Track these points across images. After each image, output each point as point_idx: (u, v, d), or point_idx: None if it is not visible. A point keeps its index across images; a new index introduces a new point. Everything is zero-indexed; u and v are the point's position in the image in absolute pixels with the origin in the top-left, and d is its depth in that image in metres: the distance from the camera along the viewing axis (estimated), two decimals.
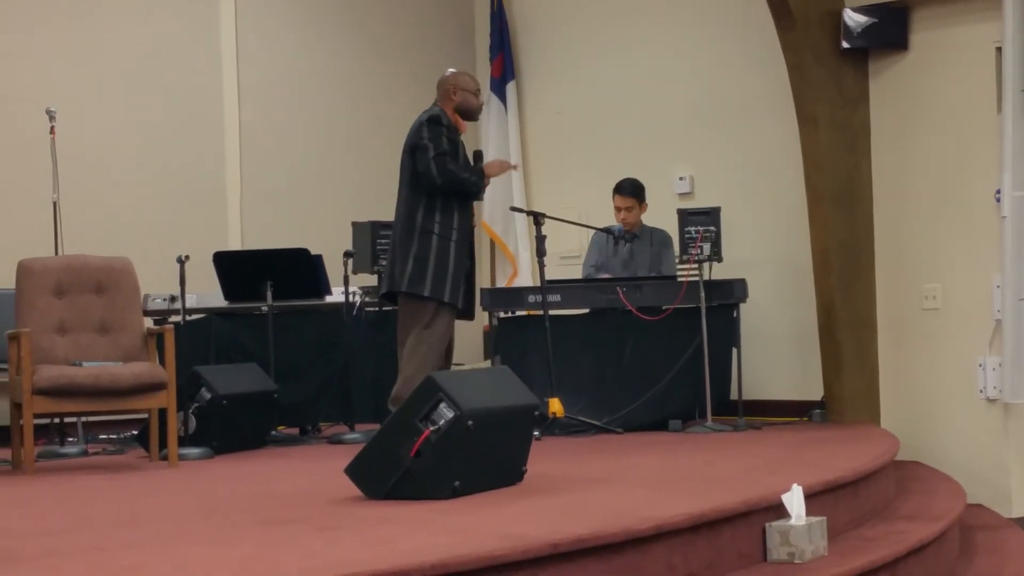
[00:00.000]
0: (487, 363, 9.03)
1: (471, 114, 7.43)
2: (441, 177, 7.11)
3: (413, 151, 7.19)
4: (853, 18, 8.20)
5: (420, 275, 7.13)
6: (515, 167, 7.93)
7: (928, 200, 8.20)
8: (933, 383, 8.17)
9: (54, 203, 8.00)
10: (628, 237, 8.70)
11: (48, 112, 8.04)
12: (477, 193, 7.27)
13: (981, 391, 7.95)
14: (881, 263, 8.40)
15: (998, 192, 7.80)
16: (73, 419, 7.98)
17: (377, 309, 8.38)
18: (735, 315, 8.17)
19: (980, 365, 7.95)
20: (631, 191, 8.69)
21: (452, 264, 7.14)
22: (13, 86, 8.78)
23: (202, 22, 9.56)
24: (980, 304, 7.97)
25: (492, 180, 10.03)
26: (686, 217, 7.98)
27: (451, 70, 7.49)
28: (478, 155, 7.47)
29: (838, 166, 8.27)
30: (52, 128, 8.03)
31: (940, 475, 7.71)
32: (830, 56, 8.22)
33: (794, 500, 4.96)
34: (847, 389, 8.27)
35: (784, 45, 8.21)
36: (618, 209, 8.69)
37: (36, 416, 6.71)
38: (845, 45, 8.21)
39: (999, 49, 7.81)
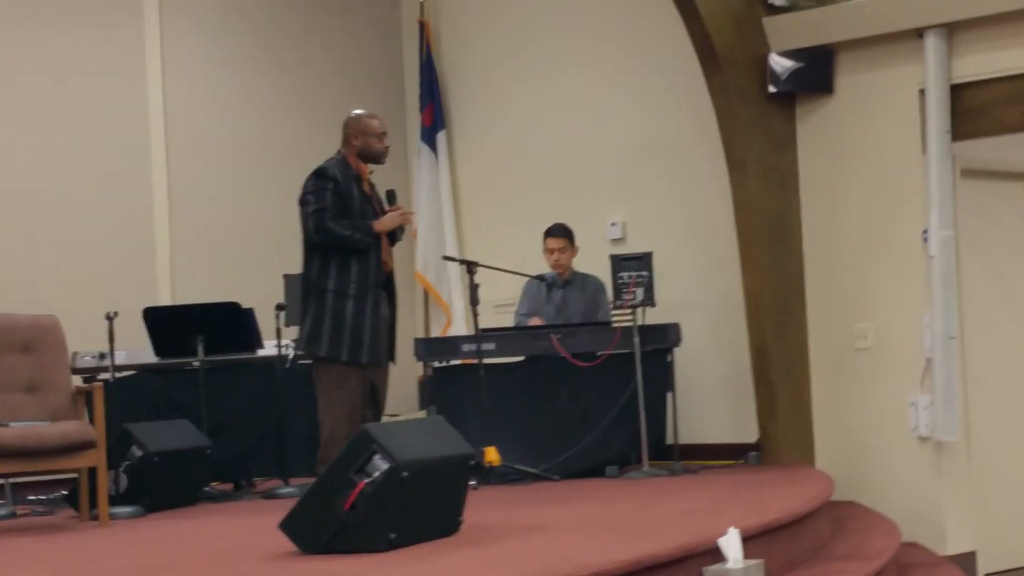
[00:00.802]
0: (422, 413, 8.99)
1: (375, 158, 7.20)
2: (318, 234, 6.94)
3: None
4: (779, 62, 8.27)
5: (316, 336, 6.98)
6: (411, 215, 7.52)
7: (857, 241, 8.26)
8: (866, 422, 8.21)
9: None
10: (560, 284, 8.72)
11: None
12: (365, 250, 6.98)
13: (914, 429, 8.00)
14: (813, 304, 8.45)
15: (925, 232, 7.88)
16: (1, 481, 7.85)
17: (310, 362, 8.31)
18: (669, 359, 8.19)
19: (912, 404, 8.00)
20: (562, 233, 8.73)
21: (350, 320, 6.94)
22: None
23: (129, 76, 9.51)
24: (911, 343, 8.02)
25: (422, 228, 10.18)
26: (619, 263, 8.00)
27: (355, 112, 7.29)
28: (390, 194, 7.23)
29: (768, 208, 8.32)
30: None
31: (875, 514, 7.74)
32: (757, 100, 8.28)
33: (731, 544, 4.96)
34: (781, 430, 8.29)
35: (711, 89, 8.27)
36: (551, 251, 8.71)
37: None
38: (772, 89, 8.28)
39: (922, 91, 7.91)
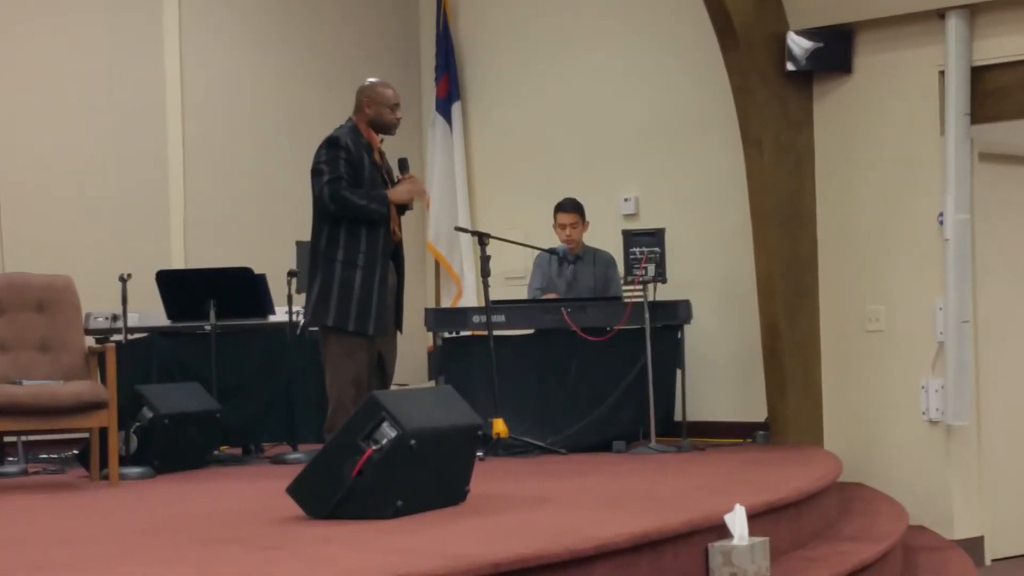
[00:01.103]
0: (431, 384, 8.99)
1: (386, 128, 7.13)
2: (333, 203, 6.89)
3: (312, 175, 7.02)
4: (797, 42, 8.24)
5: (324, 305, 6.95)
6: (427, 195, 7.41)
7: (872, 223, 8.25)
8: (876, 405, 8.21)
9: None
10: (571, 258, 8.71)
11: None
12: (378, 220, 6.95)
13: (924, 413, 8.00)
14: (825, 285, 8.44)
15: (941, 215, 7.87)
16: (13, 438, 7.89)
17: (317, 329, 8.32)
18: (679, 336, 8.19)
19: (923, 387, 8.00)
20: (572, 208, 8.71)
21: (358, 291, 6.90)
22: None
23: (146, 40, 9.50)
24: (923, 326, 8.02)
25: (434, 199, 10.17)
26: (631, 238, 8.00)
27: (370, 80, 7.23)
28: (402, 163, 7.18)
29: (782, 188, 8.30)
30: None
31: (883, 496, 7.74)
32: (775, 78, 8.26)
33: (737, 520, 4.97)
34: (791, 410, 8.30)
35: (729, 67, 8.25)
36: (562, 226, 8.70)
37: None
38: (790, 68, 8.26)
39: (942, 73, 7.88)
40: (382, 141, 7.20)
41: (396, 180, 7.14)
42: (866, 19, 8.16)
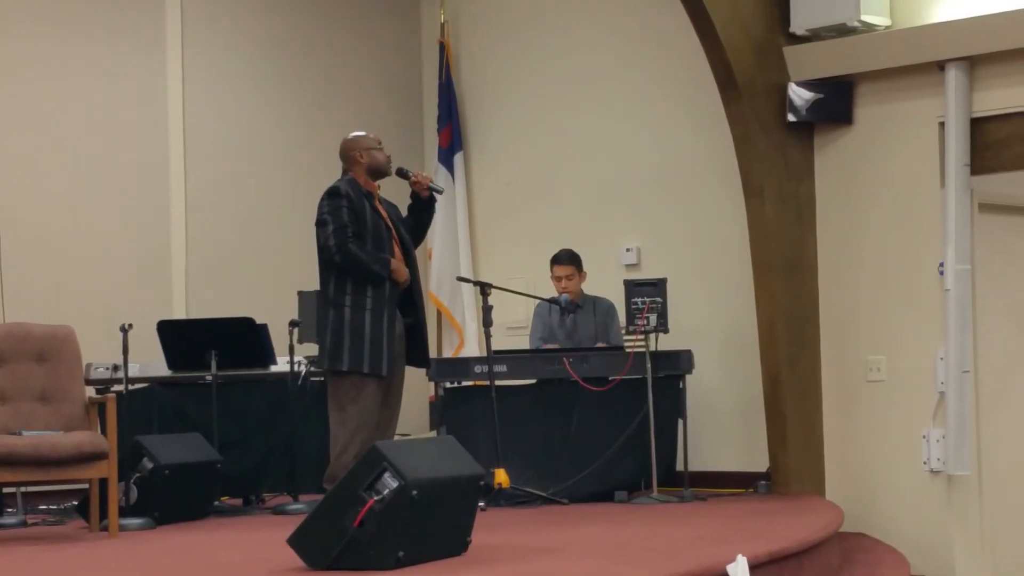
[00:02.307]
0: (433, 434, 8.98)
1: (382, 170, 7.27)
2: (339, 255, 7.01)
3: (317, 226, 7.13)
4: (798, 93, 8.28)
5: (337, 350, 7.02)
6: (428, 179, 7.56)
7: (873, 272, 8.26)
8: (878, 455, 8.19)
9: None
10: (571, 308, 8.71)
11: None
12: (379, 282, 7.04)
13: (925, 463, 7.97)
14: (826, 335, 8.43)
15: (941, 265, 7.87)
16: (12, 489, 7.86)
17: (322, 379, 8.32)
18: (681, 386, 8.18)
19: (924, 437, 7.98)
20: (568, 259, 8.73)
21: (369, 332, 6.99)
22: None
23: (149, 88, 9.54)
24: (924, 376, 8.01)
25: (436, 248, 10.20)
26: (633, 288, 8.01)
27: (349, 136, 7.35)
28: (401, 172, 7.32)
29: (784, 238, 8.32)
30: None
31: (885, 547, 7.72)
32: (776, 129, 8.29)
33: (739, 570, 4.95)
34: (792, 460, 8.27)
35: (730, 117, 8.28)
36: (558, 279, 8.71)
37: None
38: (791, 118, 8.29)
39: (942, 124, 7.91)
40: (379, 188, 7.26)
41: (396, 229, 7.18)
42: (866, 71, 8.20)
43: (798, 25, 8.24)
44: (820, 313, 8.45)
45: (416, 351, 7.30)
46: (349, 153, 7.28)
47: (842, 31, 8.17)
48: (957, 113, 7.79)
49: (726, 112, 8.29)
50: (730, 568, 4.95)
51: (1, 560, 5.97)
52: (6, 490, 7.86)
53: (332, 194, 7.10)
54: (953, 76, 7.80)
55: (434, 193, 7.37)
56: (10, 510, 7.83)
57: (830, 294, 8.42)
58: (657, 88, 9.42)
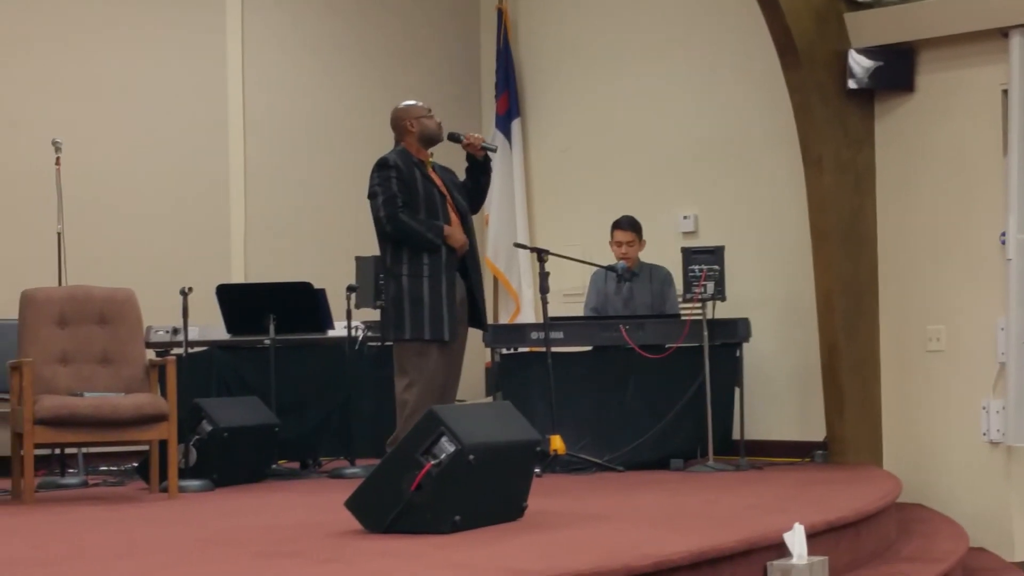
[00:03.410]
0: (489, 400, 9.01)
1: (434, 138, 7.26)
2: (390, 225, 7.03)
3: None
4: (858, 60, 8.21)
5: (399, 319, 7.05)
6: (481, 138, 7.52)
7: (933, 242, 8.20)
8: (936, 425, 8.14)
9: (58, 234, 8.01)
10: (628, 275, 8.69)
11: (54, 143, 8.06)
12: (434, 249, 7.05)
13: (984, 434, 7.92)
14: (885, 304, 8.38)
15: (1003, 234, 7.80)
16: (74, 450, 7.97)
17: (379, 344, 8.36)
18: (738, 354, 8.16)
19: (984, 408, 7.93)
20: (630, 226, 8.71)
21: (428, 299, 7.01)
22: (20, 117, 8.82)
23: (209, 55, 9.60)
24: (984, 346, 7.95)
25: (493, 215, 10.20)
26: (690, 256, 7.98)
27: (399, 105, 7.34)
28: (453, 136, 7.29)
29: (842, 207, 8.27)
30: (58, 159, 8.05)
31: (942, 518, 7.67)
32: (836, 96, 8.23)
33: (796, 539, 4.94)
34: (849, 430, 8.25)
35: (790, 85, 8.23)
36: (618, 244, 8.70)
37: (37, 446, 6.70)
38: (851, 86, 8.22)
39: (1005, 92, 7.83)
40: (432, 155, 7.28)
41: (449, 193, 7.19)
42: (928, 37, 8.12)
43: None
44: (879, 282, 8.39)
45: (472, 314, 7.31)
46: (400, 123, 7.29)
47: None
48: (1021, 81, 7.70)
49: (786, 79, 8.23)
50: (787, 537, 4.94)
51: (63, 519, 6.06)
52: (68, 451, 7.96)
53: (381, 166, 7.13)
54: (1017, 43, 7.70)
55: (488, 153, 7.36)
56: (72, 471, 7.93)
57: (889, 263, 8.37)
58: (716, 55, 9.37)
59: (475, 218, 7.51)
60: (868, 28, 8.20)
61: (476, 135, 7.36)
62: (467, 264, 7.23)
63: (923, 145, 8.23)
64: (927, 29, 8.09)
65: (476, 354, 9.23)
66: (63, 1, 9.06)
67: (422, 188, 7.12)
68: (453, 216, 7.18)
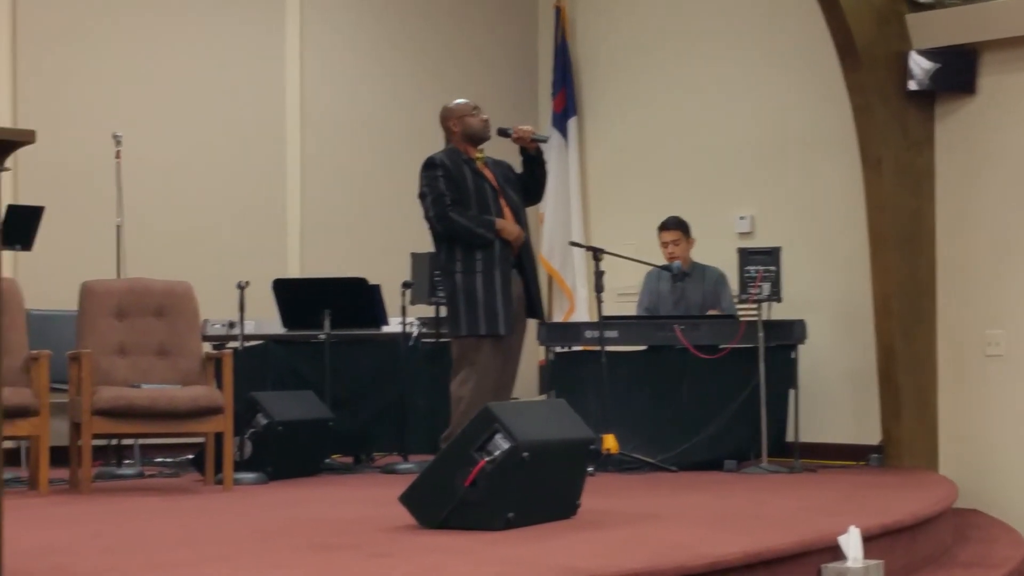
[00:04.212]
0: (542, 398, 9.01)
1: (479, 135, 7.28)
2: (440, 223, 7.09)
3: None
4: (919, 62, 8.15)
5: (455, 315, 7.10)
6: (530, 130, 7.51)
7: (992, 245, 8.13)
8: (994, 430, 8.08)
9: (118, 226, 8.08)
10: (681, 275, 8.67)
11: (114, 137, 8.13)
12: (486, 244, 7.07)
13: None
14: (943, 308, 8.32)
15: None
16: (130, 441, 8.04)
17: (433, 340, 8.38)
18: (793, 356, 8.12)
19: None
20: (675, 225, 8.70)
21: (482, 295, 7.04)
22: (82, 111, 8.89)
23: (267, 52, 9.65)
24: None
25: (548, 213, 10.20)
26: (746, 256, 7.94)
27: (446, 105, 7.37)
28: (502, 131, 7.30)
29: (901, 209, 8.21)
30: (118, 153, 8.12)
31: (999, 524, 7.61)
32: (896, 98, 8.18)
33: (851, 542, 4.91)
34: (905, 434, 8.19)
35: (850, 86, 8.18)
36: (664, 244, 8.69)
37: (94, 437, 6.77)
38: (911, 87, 8.17)
39: None
40: (481, 151, 7.29)
41: (500, 188, 7.19)
42: (991, 39, 8.06)
43: None
44: (937, 285, 8.34)
45: (528, 305, 7.30)
46: (444, 124, 7.34)
47: None
48: None
49: (845, 80, 8.19)
50: (842, 540, 4.91)
51: (119, 509, 6.11)
52: (124, 442, 8.03)
53: (427, 166, 7.18)
54: None
55: (540, 144, 7.36)
56: (128, 462, 8.00)
57: (948, 267, 8.31)
58: (775, 55, 9.32)
59: (530, 217, 7.52)
60: (930, 29, 8.15)
61: (524, 127, 7.34)
62: (523, 259, 7.24)
63: (984, 148, 8.17)
64: (989, 31, 8.03)
65: (530, 352, 9.21)
66: None
67: (472, 184, 7.14)
68: (506, 211, 7.19)
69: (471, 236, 7.06)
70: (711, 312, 8.56)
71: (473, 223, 7.07)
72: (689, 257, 8.74)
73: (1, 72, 8.69)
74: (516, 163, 7.43)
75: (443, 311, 7.72)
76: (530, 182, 7.40)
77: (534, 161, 7.34)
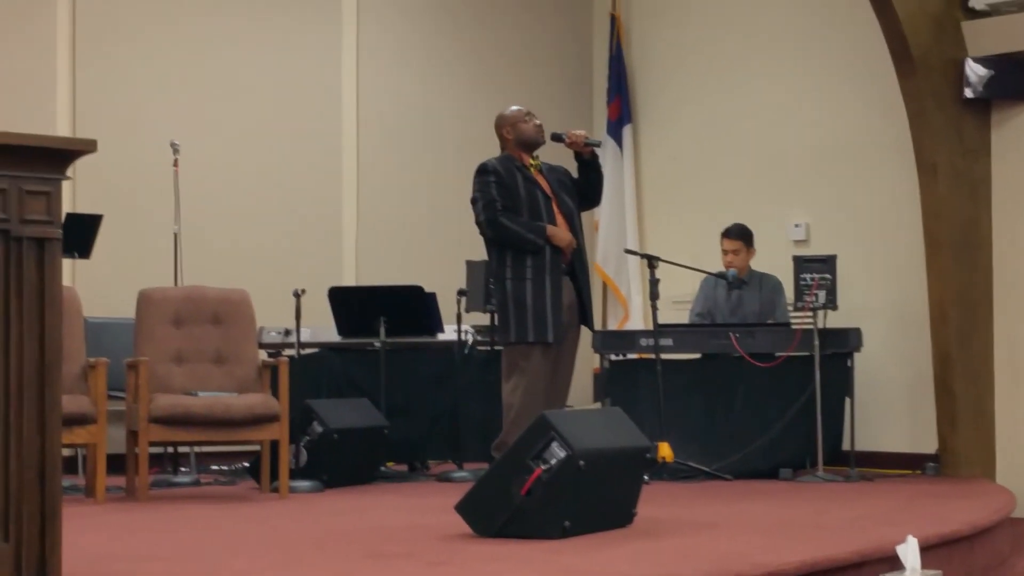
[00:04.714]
0: (597, 406, 9.00)
1: (532, 141, 7.29)
2: (490, 229, 7.12)
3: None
4: (975, 69, 8.10)
5: (505, 322, 7.12)
6: (583, 135, 7.50)
7: None
8: None
9: (175, 234, 8.15)
10: (738, 283, 8.64)
11: (172, 145, 8.20)
12: (536, 251, 7.07)
13: None
14: (1000, 315, 8.26)
15: None
16: (186, 449, 8.09)
17: (488, 348, 8.39)
18: (849, 364, 8.08)
19: None
20: (738, 234, 8.67)
21: (531, 302, 7.03)
22: (139, 119, 8.96)
23: (324, 60, 9.70)
24: None
25: (603, 221, 10.20)
26: (802, 264, 7.92)
27: (502, 112, 7.41)
28: (555, 136, 7.30)
29: (957, 216, 8.16)
30: (175, 161, 8.19)
31: None
32: (952, 104, 8.13)
33: (909, 552, 4.87)
34: (962, 442, 8.13)
35: (905, 92, 8.14)
36: (725, 252, 8.67)
37: (151, 444, 6.82)
38: (967, 94, 8.11)
39: None
40: (536, 157, 7.30)
41: (552, 193, 7.20)
42: None
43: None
44: (994, 293, 8.27)
45: (579, 313, 7.30)
46: (498, 131, 7.38)
47: (1022, 5, 7.96)
48: None
49: (901, 87, 8.15)
50: (900, 549, 4.88)
51: (175, 517, 6.15)
52: (180, 450, 8.09)
53: (480, 172, 7.21)
54: None
55: (595, 148, 7.36)
56: (184, 469, 8.06)
57: (1005, 274, 8.24)
58: (830, 62, 9.28)
59: (585, 224, 7.52)
60: (986, 36, 8.09)
61: (578, 132, 7.33)
62: (575, 266, 7.24)
63: None
64: None
65: (585, 360, 9.22)
66: (180, 4, 9.20)
67: (524, 190, 7.15)
68: (558, 218, 7.19)
69: (521, 241, 7.08)
70: (768, 321, 8.53)
71: (523, 228, 7.08)
72: (748, 266, 8.72)
73: (61, 80, 8.79)
74: (572, 168, 7.44)
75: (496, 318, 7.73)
76: (585, 186, 7.40)
77: (589, 165, 7.35)
